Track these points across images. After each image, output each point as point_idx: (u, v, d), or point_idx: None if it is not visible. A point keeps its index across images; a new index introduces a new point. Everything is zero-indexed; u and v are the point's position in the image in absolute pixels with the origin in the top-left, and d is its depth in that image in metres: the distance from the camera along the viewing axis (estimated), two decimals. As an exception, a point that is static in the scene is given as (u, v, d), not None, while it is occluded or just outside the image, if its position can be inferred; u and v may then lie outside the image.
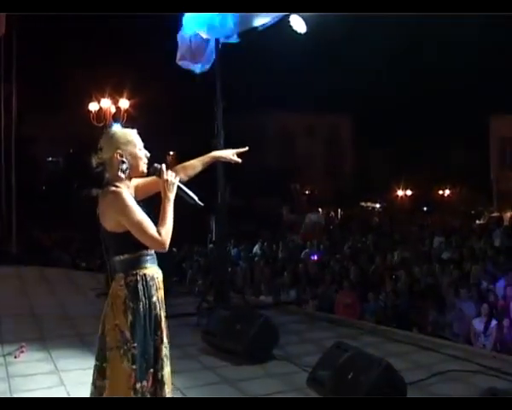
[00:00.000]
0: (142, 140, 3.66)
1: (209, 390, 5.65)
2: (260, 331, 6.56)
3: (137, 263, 3.54)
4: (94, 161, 3.58)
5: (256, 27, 7.72)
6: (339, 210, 38.92)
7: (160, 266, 3.68)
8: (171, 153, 47.26)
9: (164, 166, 3.62)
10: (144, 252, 3.54)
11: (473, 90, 38.51)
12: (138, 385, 3.45)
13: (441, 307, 10.78)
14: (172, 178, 3.59)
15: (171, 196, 3.56)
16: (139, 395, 3.45)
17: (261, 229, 23.18)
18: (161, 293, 3.64)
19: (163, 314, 3.64)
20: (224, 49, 8.69)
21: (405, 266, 13.55)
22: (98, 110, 19.21)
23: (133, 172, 3.62)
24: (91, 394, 3.60)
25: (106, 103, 19.26)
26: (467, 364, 6.27)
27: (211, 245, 12.89)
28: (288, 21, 7.68)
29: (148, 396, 3.49)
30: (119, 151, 3.55)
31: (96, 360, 3.59)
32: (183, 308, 9.18)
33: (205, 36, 8.22)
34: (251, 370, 6.25)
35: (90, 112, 19.15)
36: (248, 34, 7.93)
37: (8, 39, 16.47)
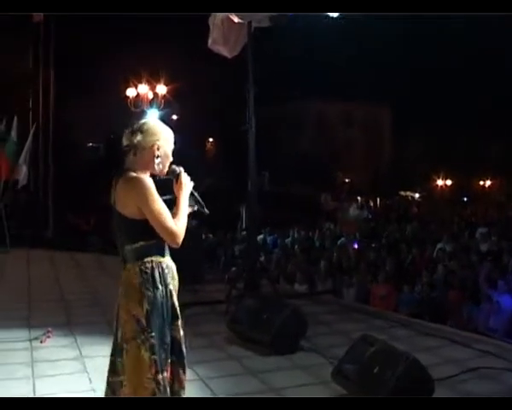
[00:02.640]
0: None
1: (232, 381, 5.54)
2: (287, 322, 6.42)
3: (153, 251, 3.46)
4: (125, 140, 3.53)
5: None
6: (377, 199, 38.53)
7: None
8: (211, 139, 47.40)
9: (182, 169, 3.63)
10: (160, 241, 3.45)
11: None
12: (160, 376, 3.37)
13: (477, 301, 10.52)
14: (188, 181, 3.60)
15: (186, 197, 3.56)
16: (161, 388, 3.35)
17: (299, 216, 23.00)
18: (176, 283, 3.56)
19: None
20: (258, 34, 8.56)
21: (443, 257, 13.29)
22: (136, 96, 19.22)
23: (159, 170, 3.58)
24: (105, 391, 3.55)
25: (143, 89, 19.26)
26: (500, 361, 6.04)
27: (244, 232, 12.80)
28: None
29: (168, 390, 3.41)
30: (158, 143, 3.52)
31: (111, 354, 3.53)
32: (213, 296, 9.14)
33: (236, 20, 8.07)
34: (276, 361, 6.11)
35: (127, 97, 19.16)
36: (280, 18, 7.76)
37: (46, 24, 16.58)
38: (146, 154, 3.50)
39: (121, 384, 3.43)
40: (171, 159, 3.61)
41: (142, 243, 3.44)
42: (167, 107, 19.86)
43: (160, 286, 3.42)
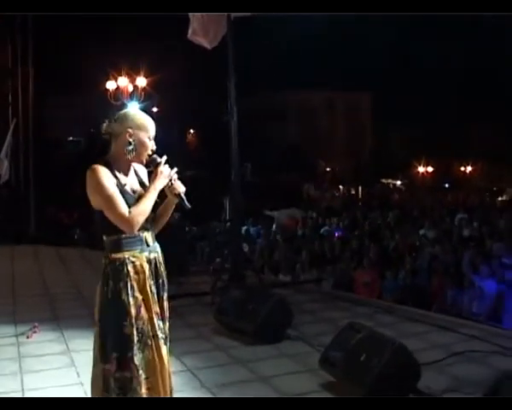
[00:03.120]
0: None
1: (220, 371, 5.56)
2: (273, 311, 6.45)
3: (112, 246, 3.47)
4: (103, 128, 3.54)
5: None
6: (359, 188, 38.71)
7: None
8: (192, 131, 47.30)
9: (164, 159, 3.58)
10: (120, 236, 3.45)
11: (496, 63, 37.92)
12: (101, 366, 3.43)
13: (461, 286, 10.62)
14: (167, 172, 3.55)
15: (159, 186, 3.52)
16: (102, 377, 3.42)
17: (282, 206, 23.04)
18: (139, 278, 3.49)
19: (139, 300, 3.48)
20: (240, 25, 8.56)
21: (425, 243, 13.40)
22: (116, 89, 19.10)
23: (134, 158, 3.56)
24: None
25: (123, 82, 19.14)
26: (485, 344, 6.11)
27: (227, 223, 12.83)
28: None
29: (112, 382, 3.41)
30: (129, 130, 3.49)
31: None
32: (198, 287, 9.16)
33: (216, 10, 8.05)
34: (264, 350, 6.14)
35: (107, 90, 19.04)
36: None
37: (23, 22, 16.47)
38: (119, 141, 3.51)
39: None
40: (150, 147, 3.57)
41: (105, 236, 3.49)
42: (148, 99, 19.78)
43: (110, 283, 3.42)
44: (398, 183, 44.03)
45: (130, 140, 3.49)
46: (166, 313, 3.65)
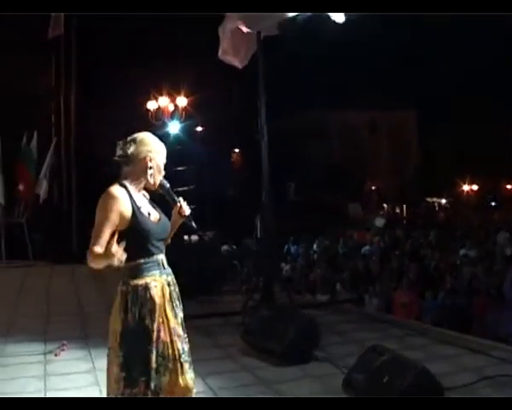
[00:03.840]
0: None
1: (243, 391, 5.50)
2: (300, 332, 6.38)
3: (132, 273, 3.48)
4: (118, 150, 3.54)
5: (293, 17, 7.46)
6: (403, 206, 38.28)
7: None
8: (236, 150, 47.40)
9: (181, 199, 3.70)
10: (140, 261, 3.47)
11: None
12: (128, 391, 3.38)
13: (502, 307, 10.34)
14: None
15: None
16: None
17: (325, 225, 22.93)
18: (161, 301, 3.50)
19: (159, 323, 3.49)
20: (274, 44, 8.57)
21: (467, 262, 13.11)
22: (157, 108, 19.30)
23: (148, 183, 3.59)
24: None
25: (164, 101, 19.33)
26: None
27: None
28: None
29: None
30: (150, 155, 3.53)
31: None
32: (231, 307, 9.10)
33: (245, 30, 8.07)
34: (290, 371, 6.07)
35: (148, 110, 19.25)
36: (287, 25, 7.70)
37: (67, 39, 16.77)
38: (138, 165, 3.52)
39: None
40: (163, 173, 3.63)
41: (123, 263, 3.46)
42: (188, 119, 19.91)
43: (133, 309, 3.42)
44: (443, 201, 43.38)
45: (151, 164, 3.52)
46: (185, 335, 3.65)
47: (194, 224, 3.71)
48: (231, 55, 8.47)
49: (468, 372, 5.84)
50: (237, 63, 8.61)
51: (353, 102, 41.70)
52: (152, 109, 19.17)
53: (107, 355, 3.53)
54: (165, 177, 3.66)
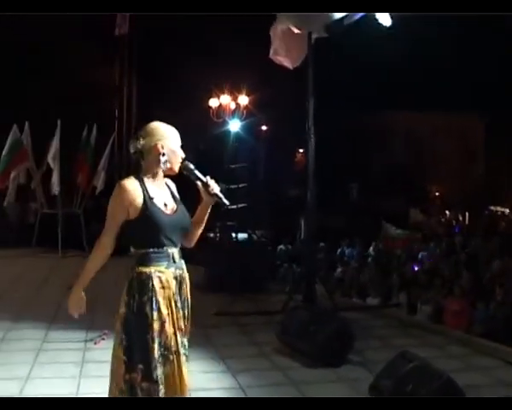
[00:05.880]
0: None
1: (270, 391, 5.54)
2: (334, 334, 6.37)
3: (139, 260, 3.54)
4: (131, 148, 3.60)
5: (341, 20, 7.44)
6: (466, 214, 37.46)
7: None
8: (301, 150, 47.34)
9: (208, 178, 3.67)
10: (148, 251, 3.52)
11: None
12: (127, 376, 3.47)
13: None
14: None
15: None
16: (128, 386, 3.47)
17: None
18: (164, 293, 3.52)
19: (164, 315, 3.51)
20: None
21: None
22: (218, 106, 19.44)
23: (168, 170, 3.62)
24: None
25: (225, 100, 19.45)
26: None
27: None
28: (373, 14, 7.32)
29: (139, 391, 3.45)
30: (160, 142, 3.54)
31: None
32: (274, 306, 9.11)
33: (296, 31, 8.08)
34: (321, 373, 6.07)
35: (210, 108, 19.41)
36: (335, 27, 7.68)
37: (130, 38, 17.11)
38: (151, 155, 3.55)
39: None
40: (181, 155, 3.63)
41: (133, 249, 3.56)
42: (250, 117, 19.97)
43: (135, 296, 3.48)
44: (507, 211, 42.16)
45: (164, 151, 3.55)
46: (187, 331, 3.66)
47: (225, 200, 3.66)
48: (282, 55, 8.50)
49: (502, 386, 5.73)
50: (288, 64, 8.63)
51: (418, 105, 40.96)
52: (213, 107, 19.31)
53: (114, 338, 3.62)
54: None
